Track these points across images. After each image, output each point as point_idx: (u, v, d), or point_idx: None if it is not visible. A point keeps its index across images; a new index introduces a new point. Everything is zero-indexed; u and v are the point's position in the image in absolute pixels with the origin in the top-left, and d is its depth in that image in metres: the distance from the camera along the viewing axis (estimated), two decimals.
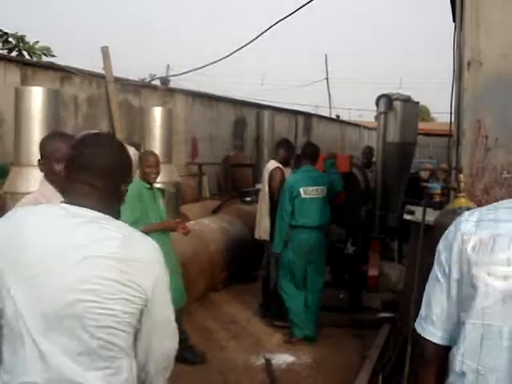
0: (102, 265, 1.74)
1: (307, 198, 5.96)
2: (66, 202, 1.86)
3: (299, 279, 6.07)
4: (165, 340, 1.95)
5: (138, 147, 9.41)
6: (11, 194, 6.05)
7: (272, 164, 6.55)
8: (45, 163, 2.95)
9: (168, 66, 30.69)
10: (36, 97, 6.49)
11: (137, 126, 10.70)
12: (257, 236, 6.76)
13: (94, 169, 1.87)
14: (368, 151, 9.76)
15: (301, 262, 5.99)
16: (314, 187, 6.03)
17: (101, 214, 1.83)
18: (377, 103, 8.01)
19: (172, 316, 1.97)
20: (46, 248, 1.76)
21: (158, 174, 5.29)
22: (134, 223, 5.10)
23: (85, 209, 1.83)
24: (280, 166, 6.47)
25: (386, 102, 7.91)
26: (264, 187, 6.57)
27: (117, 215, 1.93)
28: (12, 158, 7.32)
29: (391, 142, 7.97)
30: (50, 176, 2.94)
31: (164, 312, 1.92)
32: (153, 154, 5.46)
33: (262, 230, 6.60)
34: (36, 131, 6.36)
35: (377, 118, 8.21)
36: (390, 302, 6.77)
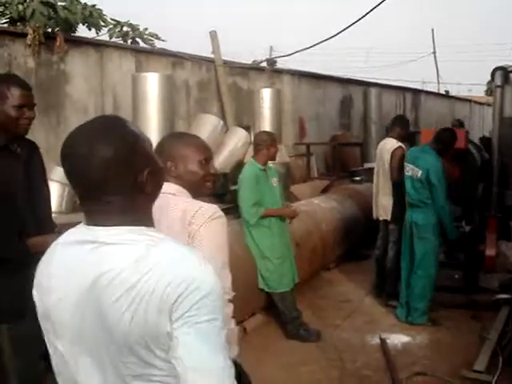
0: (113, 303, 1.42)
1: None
2: (86, 220, 1.54)
3: None
4: None
5: (247, 129, 9.57)
6: None
7: (392, 142, 6.42)
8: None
9: (271, 47, 30.83)
10: (151, 82, 6.74)
11: (246, 108, 10.84)
12: (375, 216, 6.69)
13: (86, 184, 1.48)
14: (457, 124, 9.42)
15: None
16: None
17: (113, 231, 1.47)
18: (492, 76, 7.67)
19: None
20: (66, 290, 1.51)
21: (277, 152, 5.40)
22: (254, 205, 5.25)
23: (93, 228, 1.49)
24: (401, 144, 6.36)
25: (503, 74, 7.56)
26: (384, 166, 6.46)
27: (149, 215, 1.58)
28: None
29: (509, 116, 7.62)
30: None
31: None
32: (271, 134, 5.56)
33: (381, 210, 6.52)
34: (152, 115, 6.61)
35: (491, 91, 7.88)
36: (508, 283, 6.53)
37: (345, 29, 8.67)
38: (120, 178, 1.48)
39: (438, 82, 35.16)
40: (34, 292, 1.60)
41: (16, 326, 3.03)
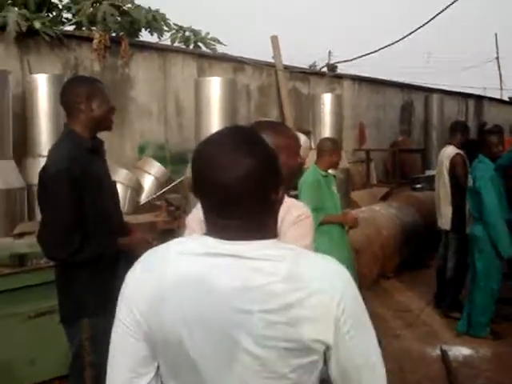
0: (262, 316, 1.38)
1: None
2: (208, 234, 1.48)
3: None
4: None
5: (307, 134, 9.55)
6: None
7: (451, 150, 6.31)
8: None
9: (330, 52, 30.71)
10: (214, 87, 6.80)
11: (306, 113, 10.81)
12: (440, 225, 6.57)
13: (226, 197, 1.42)
14: (497, 129, 9.08)
15: None
16: None
17: (253, 245, 1.43)
18: None
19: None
20: (184, 305, 1.44)
21: (339, 160, 5.37)
22: (313, 210, 5.20)
23: (231, 242, 1.43)
24: (460, 152, 6.23)
25: None
26: (442, 174, 6.35)
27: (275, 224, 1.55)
28: (191, 146, 7.75)
29: None
30: None
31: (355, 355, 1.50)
32: (336, 140, 5.52)
33: (443, 219, 6.40)
34: (215, 119, 6.67)
35: None
36: None
37: (409, 34, 8.56)
38: (259, 192, 1.43)
39: (501, 89, 34.32)
40: (131, 298, 1.51)
41: (96, 322, 3.09)
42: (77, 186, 2.99)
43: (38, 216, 5.96)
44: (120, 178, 6.69)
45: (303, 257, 1.46)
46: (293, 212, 2.41)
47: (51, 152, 3.16)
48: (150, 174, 7.39)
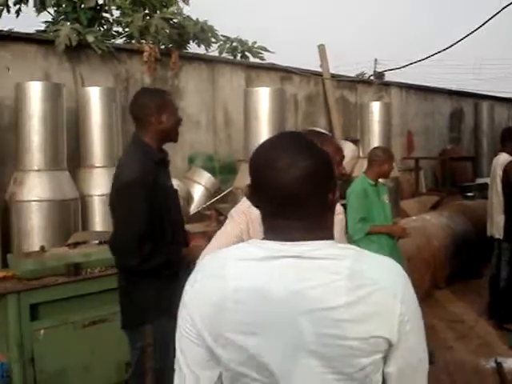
0: (329, 314, 1.39)
1: None
2: (267, 238, 1.50)
3: None
4: None
5: (355, 142, 9.50)
6: (241, 189, 6.47)
7: (504, 157, 6.19)
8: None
9: (376, 60, 30.44)
10: (263, 97, 6.83)
11: (353, 122, 10.77)
12: (489, 233, 6.45)
13: (287, 197, 1.45)
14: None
15: None
16: None
17: (314, 245, 1.44)
18: None
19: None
20: (253, 305, 1.44)
21: (392, 170, 5.31)
22: (360, 221, 5.17)
23: (292, 243, 1.45)
24: None
25: None
26: (495, 182, 6.24)
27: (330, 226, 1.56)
28: (239, 156, 7.80)
29: None
30: None
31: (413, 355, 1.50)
32: (388, 150, 5.47)
33: (494, 228, 6.29)
34: (263, 129, 6.70)
35: None
36: None
37: (455, 43, 8.42)
38: (318, 193, 1.48)
39: None
40: (191, 305, 1.54)
41: (159, 328, 3.18)
42: (148, 196, 3.11)
43: (92, 226, 6.11)
44: None
45: (364, 256, 1.47)
46: None
47: (124, 162, 3.29)
48: (199, 184, 7.46)
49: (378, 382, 1.45)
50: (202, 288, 1.52)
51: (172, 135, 3.37)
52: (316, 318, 1.39)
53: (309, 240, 1.45)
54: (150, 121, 3.25)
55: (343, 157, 2.76)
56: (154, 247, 3.13)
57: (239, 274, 1.47)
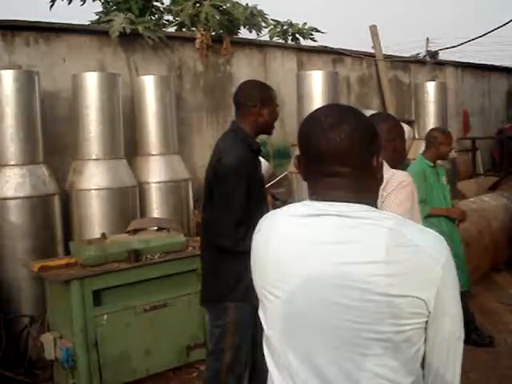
0: (367, 272, 1.40)
1: None
2: (312, 199, 1.56)
3: None
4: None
5: (410, 123, 9.34)
6: (296, 174, 6.47)
7: None
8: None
9: (427, 39, 29.76)
10: (316, 80, 6.79)
11: (407, 103, 10.60)
12: None
13: (332, 154, 1.51)
14: None
15: None
16: None
17: (355, 207, 1.48)
18: None
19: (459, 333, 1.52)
20: (291, 261, 1.51)
21: (451, 151, 5.22)
22: (419, 203, 5.09)
23: (334, 203, 1.50)
24: None
25: None
26: None
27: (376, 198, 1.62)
28: (293, 140, 7.77)
29: None
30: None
31: (450, 327, 1.48)
32: (446, 131, 5.38)
33: None
34: None
35: None
36: None
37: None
38: (360, 153, 1.53)
39: None
40: (255, 263, 1.67)
41: (241, 307, 3.40)
42: (246, 181, 3.36)
43: (149, 213, 6.21)
44: None
45: (406, 222, 1.51)
46: (396, 178, 2.69)
47: (225, 148, 3.51)
48: None
49: (418, 351, 1.45)
50: (255, 242, 1.68)
51: (268, 129, 3.62)
52: (353, 271, 1.41)
53: (349, 202, 1.49)
54: (251, 111, 3.50)
55: (405, 142, 2.87)
56: (247, 230, 3.24)
57: (284, 228, 1.56)
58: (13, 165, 5.43)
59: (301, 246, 1.50)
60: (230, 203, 3.35)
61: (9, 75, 5.44)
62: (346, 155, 1.50)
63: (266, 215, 1.71)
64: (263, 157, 7.47)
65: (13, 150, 5.43)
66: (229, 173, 3.35)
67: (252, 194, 3.39)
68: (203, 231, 3.67)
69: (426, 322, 1.43)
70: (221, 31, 7.99)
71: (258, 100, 3.49)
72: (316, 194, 1.56)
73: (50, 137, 5.97)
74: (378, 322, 1.39)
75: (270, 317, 1.58)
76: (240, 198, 3.33)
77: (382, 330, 1.39)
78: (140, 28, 6.80)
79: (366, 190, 1.54)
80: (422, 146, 5.42)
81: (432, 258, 1.42)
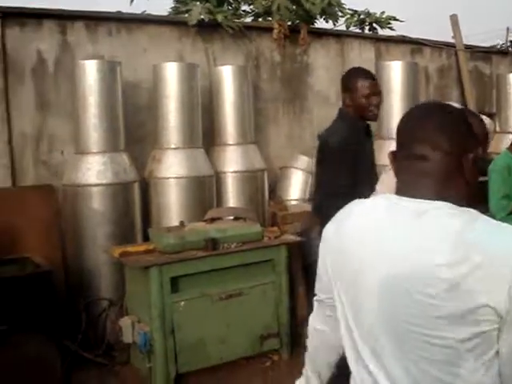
0: (430, 274, 1.36)
1: None
2: (397, 193, 1.55)
3: None
4: None
5: (491, 116, 9.05)
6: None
7: None
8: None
9: (508, 28, 28.71)
10: (395, 70, 6.67)
11: (488, 94, 10.26)
12: None
13: (424, 136, 1.51)
14: None
15: None
16: None
17: (438, 204, 1.45)
18: None
19: None
20: (361, 256, 1.52)
21: None
22: (504, 198, 4.94)
23: (414, 200, 1.48)
24: None
25: None
26: None
27: (464, 202, 1.51)
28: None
29: None
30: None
31: None
32: None
33: None
34: (395, 103, 6.55)
35: None
36: None
37: None
38: (451, 143, 1.51)
39: None
40: (326, 255, 1.70)
41: None
42: (352, 160, 3.63)
43: (225, 202, 6.27)
44: (301, 164, 6.81)
45: (480, 220, 1.43)
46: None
47: (331, 130, 3.92)
48: None
49: (488, 361, 1.36)
50: (327, 231, 1.70)
51: (367, 115, 3.90)
52: (423, 270, 1.37)
53: (433, 197, 1.47)
54: (344, 97, 3.95)
55: (488, 140, 2.75)
56: None
57: (358, 220, 1.59)
58: (95, 152, 5.58)
59: (374, 238, 1.51)
60: (335, 180, 3.54)
61: (92, 65, 5.59)
62: (438, 139, 1.49)
63: (345, 207, 1.72)
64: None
65: (95, 138, 5.58)
66: (333, 153, 3.61)
67: (358, 174, 3.57)
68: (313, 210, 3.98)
69: (496, 329, 1.34)
70: (297, 21, 7.94)
71: (345, 87, 3.96)
72: (399, 190, 1.55)
73: (131, 126, 6.10)
74: (440, 328, 1.34)
75: (345, 306, 1.60)
76: (345, 174, 3.53)
77: (445, 336, 1.34)
78: (220, 17, 6.83)
79: (452, 188, 1.50)
80: (504, 140, 5.26)
81: (504, 259, 1.33)
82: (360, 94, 3.83)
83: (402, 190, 1.53)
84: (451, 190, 1.50)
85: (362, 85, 3.84)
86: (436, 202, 1.45)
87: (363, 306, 1.50)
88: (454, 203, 1.46)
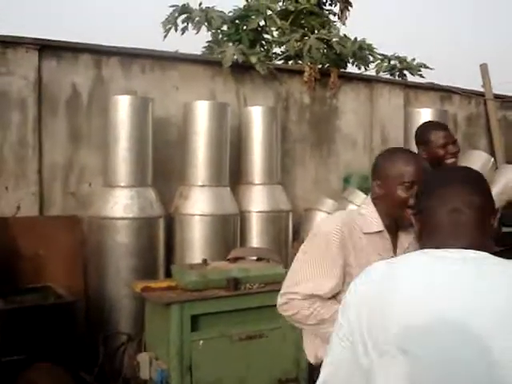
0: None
1: None
2: (427, 247, 1.55)
3: None
4: None
5: None
6: None
7: None
8: (383, 185, 2.69)
9: None
10: (424, 118, 6.67)
11: None
12: None
13: (459, 195, 1.55)
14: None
15: None
16: None
17: (482, 254, 1.46)
18: None
19: None
20: (415, 314, 1.43)
21: None
22: None
23: (454, 250, 1.47)
24: None
25: None
26: None
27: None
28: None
29: None
30: (382, 200, 2.69)
31: None
32: None
33: None
34: None
35: None
36: None
37: None
38: (480, 203, 1.58)
39: None
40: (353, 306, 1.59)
41: None
42: None
43: (249, 241, 6.26)
44: (326, 207, 6.79)
45: None
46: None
47: None
48: (355, 204, 7.39)
49: None
50: (366, 290, 1.57)
51: (441, 162, 3.91)
52: (479, 320, 1.34)
53: (473, 247, 1.51)
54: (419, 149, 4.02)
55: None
56: None
57: (411, 277, 1.50)
58: (123, 186, 5.64)
59: (424, 295, 1.44)
60: None
61: (125, 100, 5.69)
62: (470, 198, 1.55)
63: (376, 265, 1.63)
64: (363, 192, 7.40)
65: (124, 172, 5.64)
66: None
67: None
68: None
69: None
70: (327, 65, 8.01)
71: (419, 137, 4.14)
72: (441, 234, 1.55)
73: (159, 161, 6.15)
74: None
75: (391, 373, 1.46)
76: None
77: None
78: (253, 59, 6.93)
79: (482, 245, 1.52)
80: None
81: None
82: (436, 145, 3.94)
83: (445, 234, 1.56)
84: (483, 246, 1.52)
85: (438, 136, 3.97)
86: (484, 252, 1.48)
87: (420, 361, 1.42)
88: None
